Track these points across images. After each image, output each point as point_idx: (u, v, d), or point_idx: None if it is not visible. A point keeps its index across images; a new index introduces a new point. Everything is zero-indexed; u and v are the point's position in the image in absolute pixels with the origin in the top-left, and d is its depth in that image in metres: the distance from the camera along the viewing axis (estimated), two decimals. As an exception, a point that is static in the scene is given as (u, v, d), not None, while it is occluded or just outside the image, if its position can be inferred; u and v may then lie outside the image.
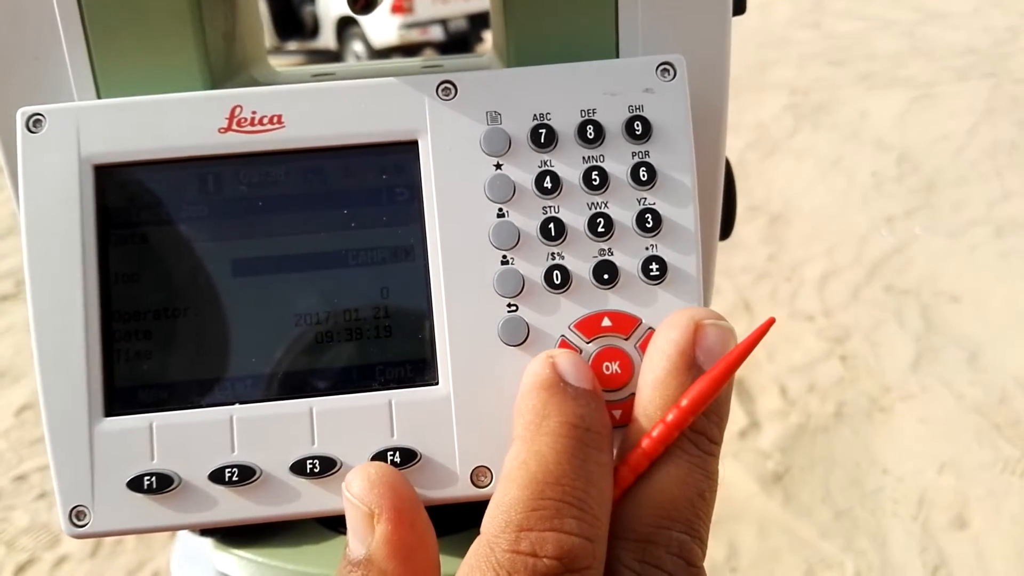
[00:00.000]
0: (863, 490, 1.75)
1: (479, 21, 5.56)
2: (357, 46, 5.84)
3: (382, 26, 5.45)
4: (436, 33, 5.49)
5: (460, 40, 5.55)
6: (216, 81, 0.36)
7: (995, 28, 5.05)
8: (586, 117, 0.33)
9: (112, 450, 0.31)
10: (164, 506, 0.31)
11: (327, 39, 6.06)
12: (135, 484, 0.31)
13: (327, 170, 0.33)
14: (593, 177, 0.33)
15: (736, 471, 1.81)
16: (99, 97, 0.35)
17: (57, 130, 0.33)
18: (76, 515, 0.31)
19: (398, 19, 5.42)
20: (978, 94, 3.95)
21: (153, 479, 0.31)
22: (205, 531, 0.42)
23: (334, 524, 0.43)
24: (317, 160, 0.33)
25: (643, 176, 0.33)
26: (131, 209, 0.33)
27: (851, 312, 2.36)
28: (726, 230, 0.41)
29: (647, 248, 0.33)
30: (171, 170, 0.33)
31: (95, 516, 0.31)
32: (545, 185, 0.33)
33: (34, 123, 0.33)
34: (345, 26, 5.89)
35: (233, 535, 0.42)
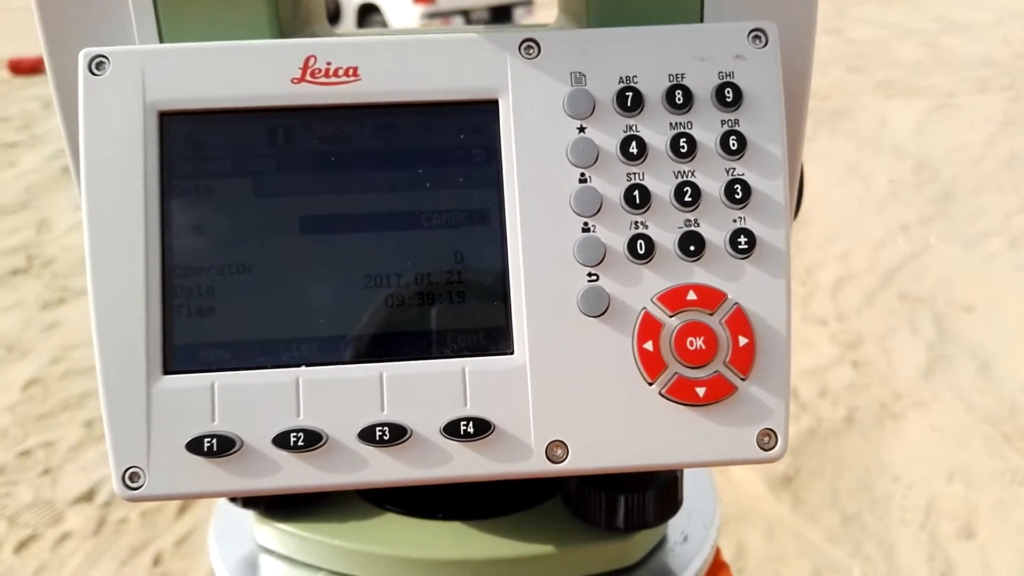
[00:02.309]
0: (872, 496, 1.74)
1: (501, 13, 5.54)
2: (377, 34, 5.82)
3: (403, 14, 5.43)
4: (458, 24, 5.47)
5: (481, 32, 5.52)
6: (284, 34, 0.35)
7: (1016, 40, 5.03)
8: (674, 82, 0.32)
9: (171, 410, 0.30)
10: (224, 470, 0.30)
11: (347, 26, 6.05)
12: (195, 446, 0.30)
13: (402, 127, 0.32)
14: (681, 144, 0.31)
15: (746, 472, 1.80)
16: (161, 42, 0.34)
17: (121, 73, 0.31)
18: (130, 477, 0.30)
19: (420, 8, 5.40)
20: (997, 105, 3.93)
21: (214, 441, 0.30)
22: (247, 503, 0.41)
23: (380, 500, 0.41)
24: (392, 116, 0.32)
25: (733, 145, 0.31)
26: (196, 159, 0.31)
27: (864, 318, 2.34)
28: (797, 208, 0.39)
29: (735, 220, 0.31)
30: (239, 120, 0.32)
31: (150, 478, 0.30)
32: (630, 151, 0.31)
33: (97, 65, 0.31)
34: (366, 14, 5.87)
35: (276, 508, 0.41)
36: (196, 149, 0.31)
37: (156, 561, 1.52)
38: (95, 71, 0.31)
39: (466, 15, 5.51)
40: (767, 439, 0.31)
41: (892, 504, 1.74)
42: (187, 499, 0.31)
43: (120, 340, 0.30)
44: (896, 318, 2.36)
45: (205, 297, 0.31)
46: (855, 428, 1.94)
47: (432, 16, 5.43)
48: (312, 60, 0.31)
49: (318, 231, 0.31)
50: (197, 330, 0.31)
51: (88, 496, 1.70)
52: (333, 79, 0.31)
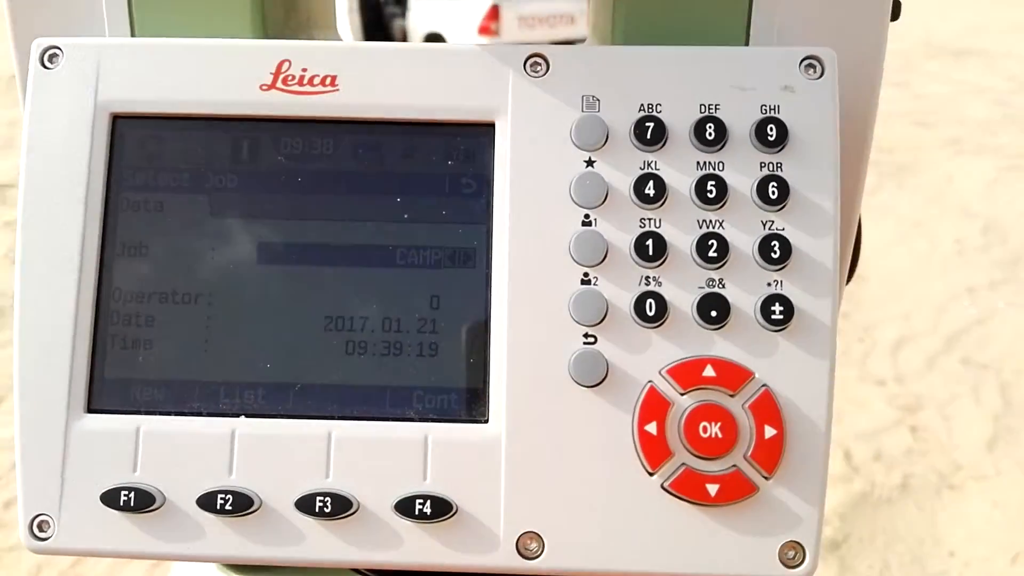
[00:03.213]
0: (925, 571, 1.64)
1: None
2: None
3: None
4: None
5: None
6: (270, 36, 0.31)
7: (1094, 103, 4.83)
8: (706, 113, 0.27)
9: (89, 453, 0.26)
10: (141, 529, 0.26)
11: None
12: (110, 498, 0.25)
13: (383, 148, 0.28)
14: (709, 188, 0.26)
15: (788, 536, 1.71)
16: (134, 36, 0.30)
17: (74, 67, 0.27)
18: (39, 525, 0.26)
19: (483, 40, 5.43)
20: (1072, 168, 3.76)
21: (132, 495, 0.25)
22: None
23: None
24: (372, 135, 0.28)
25: (772, 193, 0.26)
26: (148, 169, 0.28)
27: (925, 381, 2.23)
28: (851, 272, 0.34)
29: (769, 284, 0.26)
30: (200, 128, 0.28)
31: (60, 529, 0.26)
32: (646, 192, 0.26)
33: (50, 57, 0.28)
34: (431, 42, 5.94)
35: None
36: (149, 158, 0.28)
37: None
38: (47, 64, 0.28)
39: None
40: (792, 554, 0.25)
41: (946, 582, 1.63)
42: (98, 556, 0.27)
43: (42, 369, 0.26)
44: (959, 384, 2.24)
45: (143, 328, 0.27)
46: (910, 496, 1.84)
47: (496, 49, 5.45)
48: (286, 65, 0.27)
49: (277, 261, 0.27)
50: (129, 364, 0.27)
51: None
52: (308, 88, 0.27)
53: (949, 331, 2.52)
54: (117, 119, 0.27)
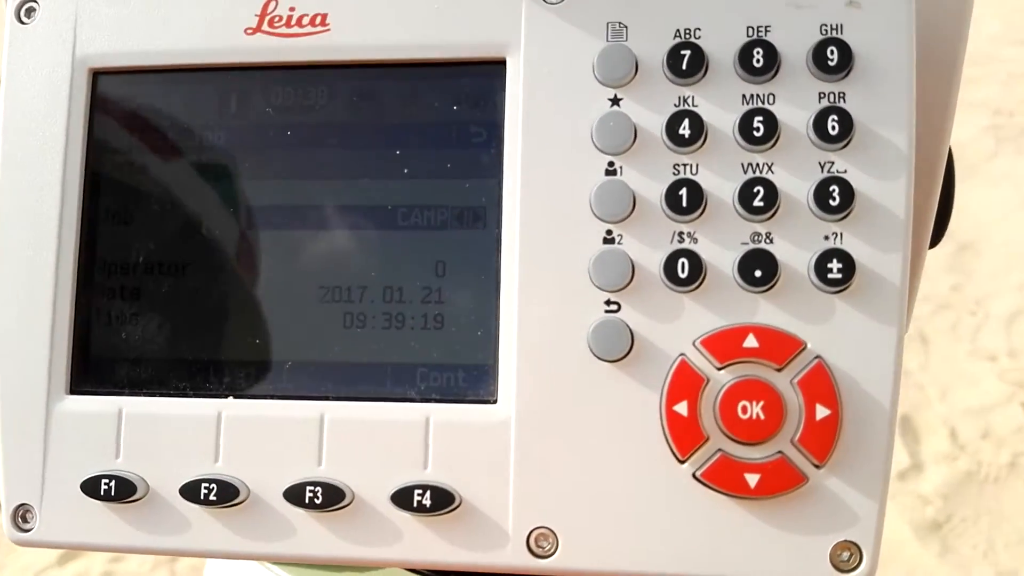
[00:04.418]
0: (1033, 552, 1.53)
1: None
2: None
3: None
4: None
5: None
6: None
7: None
8: (754, 36, 0.23)
9: (71, 437, 0.24)
10: (123, 520, 0.24)
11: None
12: (91, 487, 0.24)
13: (380, 93, 0.25)
14: (755, 125, 0.22)
15: (890, 514, 1.62)
16: None
17: (51, 21, 0.25)
18: (22, 516, 0.24)
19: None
20: None
21: (112, 483, 0.23)
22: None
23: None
24: (368, 79, 0.25)
25: (832, 128, 0.22)
26: (130, 130, 0.25)
27: (1042, 355, 2.08)
28: (939, 232, 0.29)
29: (827, 237, 0.22)
30: (184, 81, 0.25)
31: (42, 520, 0.24)
32: (681, 132, 0.23)
33: (26, 12, 0.26)
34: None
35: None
36: (131, 117, 0.25)
37: None
38: (23, 19, 0.26)
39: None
40: (846, 556, 0.21)
41: (1057, 566, 1.52)
42: (80, 549, 0.25)
43: (22, 347, 0.24)
44: (1081, 357, 2.08)
45: (128, 301, 0.25)
46: (1018, 475, 1.72)
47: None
48: (272, 5, 0.25)
49: (268, 225, 0.25)
50: (114, 341, 0.25)
51: None
52: (296, 29, 0.24)
53: (1069, 301, 2.34)
54: (97, 75, 0.25)
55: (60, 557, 1.22)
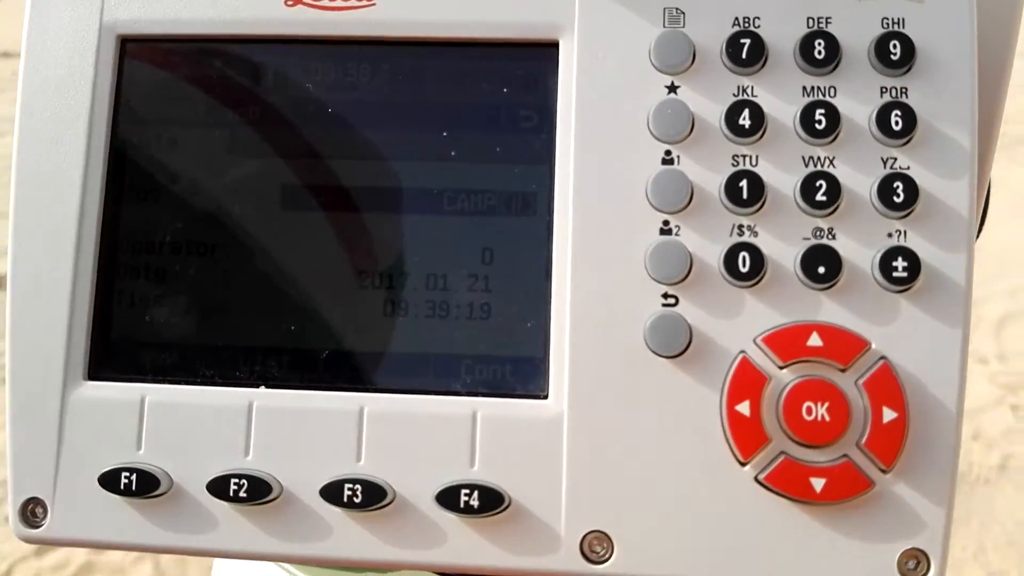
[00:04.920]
0: (1021, 554, 1.57)
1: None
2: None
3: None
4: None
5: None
6: None
7: None
8: (815, 28, 0.22)
9: (88, 426, 0.23)
10: (145, 517, 0.22)
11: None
12: (109, 480, 0.22)
13: (425, 73, 0.24)
14: (817, 118, 0.22)
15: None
16: None
17: None
18: (31, 511, 0.23)
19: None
20: None
21: (134, 477, 0.22)
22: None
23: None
24: (414, 57, 0.24)
25: (896, 124, 0.21)
26: (160, 101, 0.24)
27: (1030, 360, 2.13)
28: (979, 228, 0.29)
29: (890, 234, 0.21)
30: (217, 53, 0.24)
31: (54, 516, 0.23)
32: (741, 123, 0.22)
33: None
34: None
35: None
36: (160, 88, 0.24)
37: None
38: None
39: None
40: (914, 564, 0.21)
41: (1046, 566, 1.56)
42: (96, 547, 0.24)
43: (39, 328, 0.23)
44: (1062, 363, 2.13)
45: (153, 282, 0.23)
46: (1009, 478, 1.76)
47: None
48: (314, -24, 0.23)
49: (304, 207, 0.23)
50: (136, 324, 0.23)
51: None
52: (339, 2, 0.23)
53: (1052, 309, 2.40)
54: (126, 42, 0.24)
55: (38, 547, 1.18)
